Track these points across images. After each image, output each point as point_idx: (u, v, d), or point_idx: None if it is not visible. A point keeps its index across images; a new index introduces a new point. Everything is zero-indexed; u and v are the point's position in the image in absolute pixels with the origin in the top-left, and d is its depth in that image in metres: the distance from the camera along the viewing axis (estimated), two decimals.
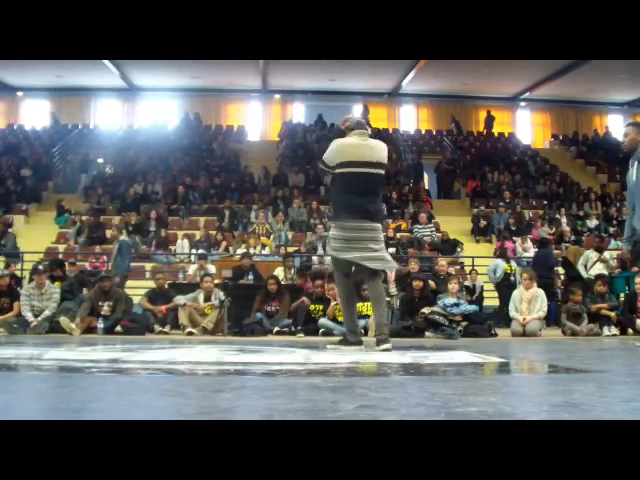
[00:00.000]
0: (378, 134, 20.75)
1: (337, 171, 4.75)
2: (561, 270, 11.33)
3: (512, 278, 10.51)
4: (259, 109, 22.53)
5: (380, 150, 4.86)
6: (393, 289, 9.30)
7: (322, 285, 8.51)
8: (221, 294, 8.13)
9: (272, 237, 13.25)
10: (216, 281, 8.67)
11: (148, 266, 12.58)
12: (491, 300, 10.54)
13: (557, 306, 9.69)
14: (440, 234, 14.06)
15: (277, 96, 22.30)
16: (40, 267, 8.40)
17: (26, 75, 19.38)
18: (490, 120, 21.90)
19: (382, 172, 4.85)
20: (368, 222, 4.72)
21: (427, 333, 7.38)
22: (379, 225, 4.87)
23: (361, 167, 4.70)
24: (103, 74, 19.09)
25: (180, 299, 8.17)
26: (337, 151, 4.77)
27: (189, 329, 7.77)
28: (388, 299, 8.06)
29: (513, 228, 14.28)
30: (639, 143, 5.05)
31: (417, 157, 19.33)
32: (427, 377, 2.96)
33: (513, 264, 10.71)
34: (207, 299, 8.28)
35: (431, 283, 8.97)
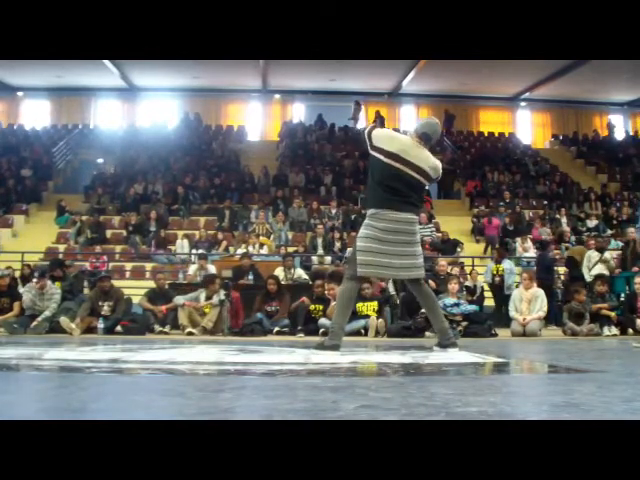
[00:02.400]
0: None
1: (377, 155, 4.37)
2: (561, 270, 11.32)
3: (497, 279, 10.47)
4: (259, 109, 22.54)
5: (430, 163, 4.44)
6: (392, 289, 9.31)
7: (322, 285, 8.52)
8: (221, 293, 8.13)
9: (272, 237, 13.25)
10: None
11: (148, 266, 12.58)
12: (492, 300, 10.53)
13: (557, 306, 9.68)
14: (440, 234, 14.06)
15: (277, 96, 22.31)
16: (36, 274, 8.39)
17: (26, 75, 19.39)
18: (449, 119, 21.73)
19: (421, 179, 4.40)
20: (406, 214, 4.34)
21: (427, 333, 7.38)
22: (417, 218, 4.50)
23: (403, 165, 4.33)
24: (103, 74, 19.10)
25: (179, 299, 8.16)
26: (387, 137, 4.44)
27: (189, 329, 7.77)
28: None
29: (510, 228, 14.27)
30: None
31: None
32: (427, 377, 2.96)
33: (505, 264, 10.59)
34: (209, 298, 8.27)
35: (431, 283, 8.97)
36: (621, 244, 11.75)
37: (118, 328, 7.85)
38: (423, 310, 7.54)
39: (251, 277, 9.15)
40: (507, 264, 10.61)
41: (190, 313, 8.01)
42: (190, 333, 7.69)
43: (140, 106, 22.07)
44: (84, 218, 14.07)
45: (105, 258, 12.31)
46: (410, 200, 4.42)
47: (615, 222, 15.48)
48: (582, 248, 11.03)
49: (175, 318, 8.16)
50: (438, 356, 4.15)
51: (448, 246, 13.45)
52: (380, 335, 7.68)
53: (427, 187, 4.71)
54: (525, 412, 1.88)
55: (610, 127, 22.26)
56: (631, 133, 22.66)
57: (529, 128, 23.32)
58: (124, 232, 14.14)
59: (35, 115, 21.57)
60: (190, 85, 20.79)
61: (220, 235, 13.38)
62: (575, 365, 3.54)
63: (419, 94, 22.12)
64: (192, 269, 10.31)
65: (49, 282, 8.28)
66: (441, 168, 4.56)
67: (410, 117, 22.93)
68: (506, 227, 14.34)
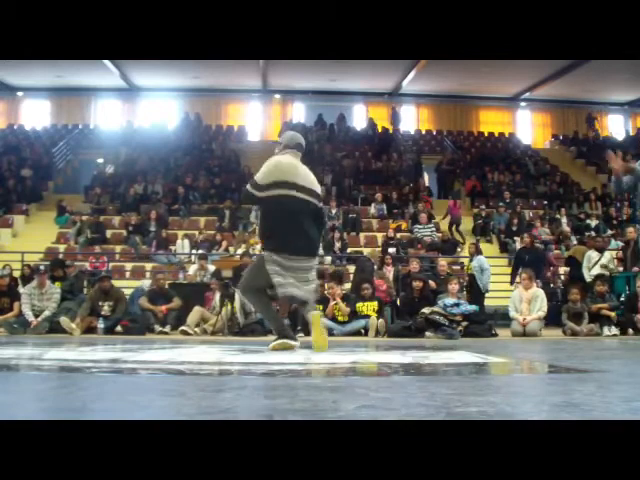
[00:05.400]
0: (379, 134, 20.83)
1: (268, 193, 4.36)
2: (561, 270, 11.31)
3: (467, 278, 10.23)
4: (259, 109, 22.54)
5: (315, 180, 4.55)
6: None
7: (322, 285, 8.52)
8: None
9: None
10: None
11: (148, 266, 12.58)
12: (491, 300, 10.49)
13: (557, 306, 9.65)
14: (440, 234, 14.07)
15: (277, 96, 22.31)
16: (41, 267, 8.41)
17: (26, 75, 19.39)
18: (396, 116, 21.53)
19: (319, 205, 4.53)
20: (304, 258, 4.39)
21: (427, 333, 7.38)
22: (312, 261, 4.52)
23: (299, 192, 4.36)
24: (103, 74, 19.10)
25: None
26: (272, 168, 4.42)
27: (182, 327, 7.79)
28: None
29: (514, 228, 14.27)
30: None
31: (417, 157, 19.37)
32: (427, 377, 2.96)
33: (474, 262, 10.25)
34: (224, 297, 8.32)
35: (431, 283, 8.97)
36: (621, 244, 11.73)
37: (118, 328, 7.86)
38: (423, 310, 7.59)
39: None
40: (476, 262, 10.17)
41: (202, 313, 8.07)
42: (184, 332, 7.70)
43: (140, 106, 22.06)
44: (84, 218, 14.07)
45: (105, 258, 12.31)
46: (312, 236, 4.46)
47: (615, 222, 15.47)
48: (582, 248, 11.00)
49: (174, 318, 8.19)
50: (438, 356, 4.16)
51: (448, 246, 13.46)
52: (380, 335, 7.68)
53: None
54: (525, 412, 1.88)
55: (589, 121, 22.06)
56: (631, 133, 22.64)
57: (529, 128, 23.32)
58: (124, 232, 14.13)
59: (35, 115, 21.57)
60: (190, 85, 20.79)
61: (219, 236, 13.37)
62: (575, 365, 3.54)
63: (419, 94, 22.11)
64: (192, 269, 10.32)
65: (49, 282, 8.28)
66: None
67: (410, 117, 22.93)
68: (509, 227, 14.32)
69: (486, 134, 22.27)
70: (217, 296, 8.39)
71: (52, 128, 20.91)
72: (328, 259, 12.51)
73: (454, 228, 14.78)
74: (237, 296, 8.18)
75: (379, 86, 21.30)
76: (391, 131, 21.07)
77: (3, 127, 20.83)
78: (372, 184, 17.38)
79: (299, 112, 22.34)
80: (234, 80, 20.45)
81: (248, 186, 4.51)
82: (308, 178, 4.49)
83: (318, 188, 4.58)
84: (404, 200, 16.27)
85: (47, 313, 7.92)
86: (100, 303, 7.95)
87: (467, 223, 15.61)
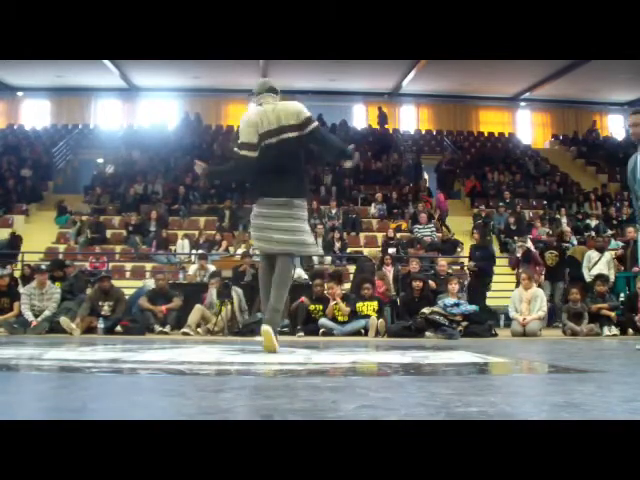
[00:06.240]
0: (378, 135, 20.83)
1: (241, 153, 4.35)
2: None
3: (468, 278, 10.20)
4: None
5: (285, 112, 4.43)
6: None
7: (322, 285, 8.53)
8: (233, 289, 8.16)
9: None
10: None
11: (148, 266, 12.58)
12: (491, 300, 10.47)
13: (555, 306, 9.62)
14: (440, 234, 14.07)
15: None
16: (42, 267, 8.42)
17: (26, 75, 19.39)
18: (382, 116, 21.37)
19: (289, 135, 4.32)
20: (278, 198, 4.24)
21: (427, 333, 7.38)
22: (295, 201, 4.30)
23: (262, 140, 4.30)
24: (103, 74, 19.10)
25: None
26: (240, 130, 4.44)
27: (183, 329, 7.78)
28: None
29: (513, 228, 14.27)
30: None
31: (417, 157, 19.38)
32: (427, 377, 2.96)
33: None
34: (220, 294, 8.31)
35: (431, 283, 8.97)
36: (621, 244, 11.74)
37: (118, 328, 7.86)
38: (423, 310, 7.59)
39: (251, 277, 9.17)
40: None
41: (203, 312, 8.07)
42: (186, 334, 7.70)
43: (140, 106, 22.06)
44: (84, 218, 14.07)
45: (105, 258, 12.31)
46: (287, 177, 4.32)
47: (615, 222, 15.47)
48: (582, 248, 11.00)
49: (174, 318, 8.18)
50: (438, 356, 4.16)
51: (448, 246, 13.46)
52: (380, 335, 7.68)
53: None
54: (525, 412, 1.88)
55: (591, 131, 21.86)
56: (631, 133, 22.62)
57: (529, 128, 23.33)
58: (124, 232, 14.14)
59: (35, 115, 21.58)
60: (190, 85, 20.79)
61: (219, 236, 13.36)
62: (575, 365, 3.54)
63: (419, 94, 22.12)
64: (192, 269, 10.32)
65: (49, 282, 8.28)
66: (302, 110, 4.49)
67: (410, 117, 22.93)
68: (508, 227, 14.32)
69: (486, 134, 22.28)
70: (213, 293, 8.37)
71: (52, 128, 20.91)
72: (328, 259, 12.52)
73: (440, 222, 14.86)
74: (235, 295, 8.19)
75: (379, 86, 21.30)
76: (381, 131, 21.04)
77: (3, 127, 20.82)
78: (372, 184, 17.39)
79: None
80: (234, 80, 20.45)
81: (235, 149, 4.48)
82: (268, 119, 4.39)
83: (290, 119, 4.39)
84: (404, 200, 16.27)
85: (47, 313, 7.93)
86: (100, 303, 7.95)
87: (467, 223, 15.59)
